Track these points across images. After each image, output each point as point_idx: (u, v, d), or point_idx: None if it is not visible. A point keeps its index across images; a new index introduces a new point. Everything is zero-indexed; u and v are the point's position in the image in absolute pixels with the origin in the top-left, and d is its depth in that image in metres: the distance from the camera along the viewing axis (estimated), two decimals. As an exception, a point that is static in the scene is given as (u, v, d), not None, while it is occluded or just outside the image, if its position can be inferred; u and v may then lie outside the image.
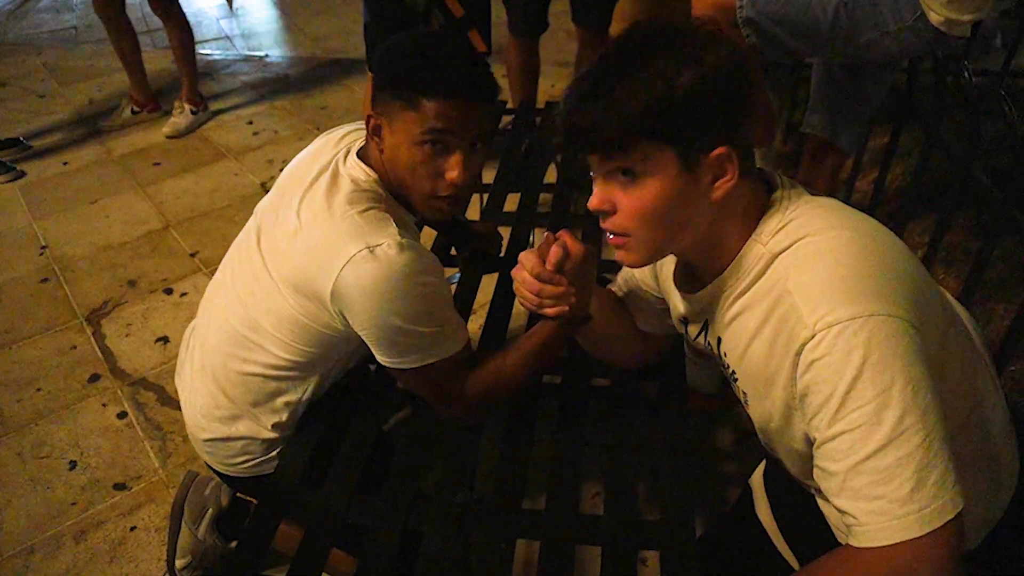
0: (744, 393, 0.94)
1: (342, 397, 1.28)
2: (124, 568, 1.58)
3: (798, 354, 0.76)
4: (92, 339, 2.22)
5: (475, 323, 1.55)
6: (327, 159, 1.12)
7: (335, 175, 1.08)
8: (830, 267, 0.77)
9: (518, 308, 1.51)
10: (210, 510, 1.42)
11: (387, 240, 0.99)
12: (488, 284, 1.55)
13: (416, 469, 1.16)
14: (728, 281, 0.89)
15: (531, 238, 1.80)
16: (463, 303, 1.48)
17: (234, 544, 1.42)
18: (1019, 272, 1.90)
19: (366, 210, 1.02)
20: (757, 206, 0.87)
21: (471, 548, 1.08)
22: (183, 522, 1.42)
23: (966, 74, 1.57)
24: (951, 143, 1.72)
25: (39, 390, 2.04)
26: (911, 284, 0.78)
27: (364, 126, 1.16)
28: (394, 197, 1.11)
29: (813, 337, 0.74)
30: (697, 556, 1.01)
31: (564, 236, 1.04)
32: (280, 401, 1.19)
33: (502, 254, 1.65)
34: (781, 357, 0.80)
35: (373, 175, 1.09)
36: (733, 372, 0.94)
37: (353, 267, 0.97)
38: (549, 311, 1.06)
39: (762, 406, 0.89)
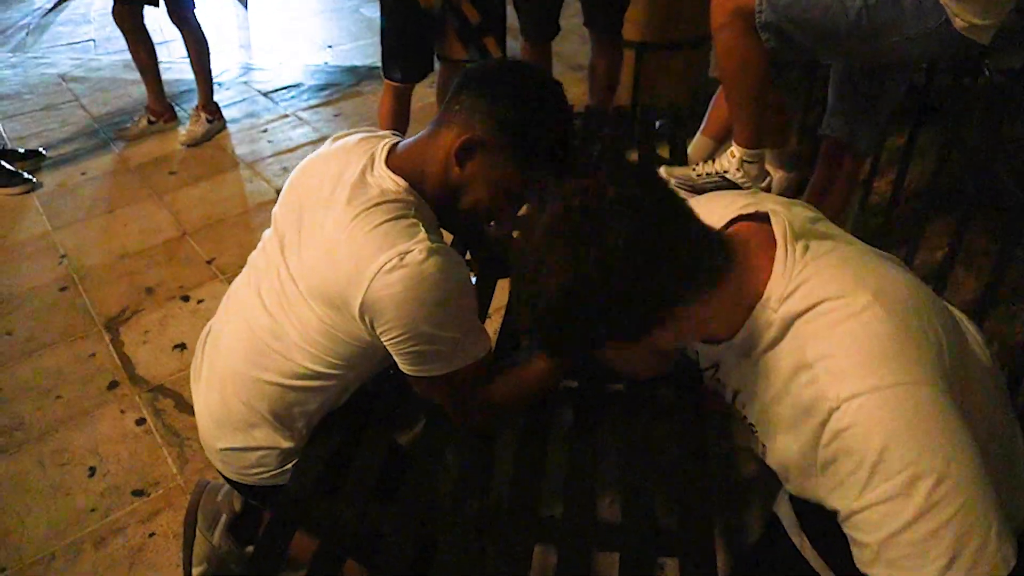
0: (763, 445, 0.92)
1: (356, 409, 1.27)
2: (144, 574, 1.59)
3: (823, 424, 0.75)
4: (111, 347, 2.24)
5: (490, 327, 1.54)
6: (353, 168, 1.08)
7: (362, 184, 1.05)
8: (851, 338, 0.75)
9: (533, 313, 1.52)
10: (224, 516, 1.42)
11: (417, 247, 0.97)
12: (502, 288, 1.55)
13: (430, 478, 1.16)
14: (741, 346, 0.87)
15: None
16: (478, 307, 1.47)
17: (250, 549, 1.42)
18: (1042, 273, 1.87)
19: (396, 218, 1.00)
20: (756, 275, 0.83)
21: (487, 555, 1.08)
22: (197, 529, 1.42)
23: (987, 72, 1.55)
24: (971, 143, 1.69)
25: (59, 398, 2.06)
26: (934, 341, 0.76)
27: (375, 131, 1.17)
28: (426, 200, 1.09)
29: (838, 408, 0.73)
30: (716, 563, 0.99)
31: None
32: (298, 411, 1.18)
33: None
34: (804, 424, 0.79)
35: (404, 184, 1.06)
36: (752, 425, 0.93)
37: (384, 276, 0.96)
38: None
39: (781, 461, 0.88)
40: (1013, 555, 0.68)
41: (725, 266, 0.82)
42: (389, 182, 1.06)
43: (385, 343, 1.04)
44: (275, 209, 1.23)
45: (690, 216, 0.82)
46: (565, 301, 0.76)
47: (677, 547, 1.03)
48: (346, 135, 1.21)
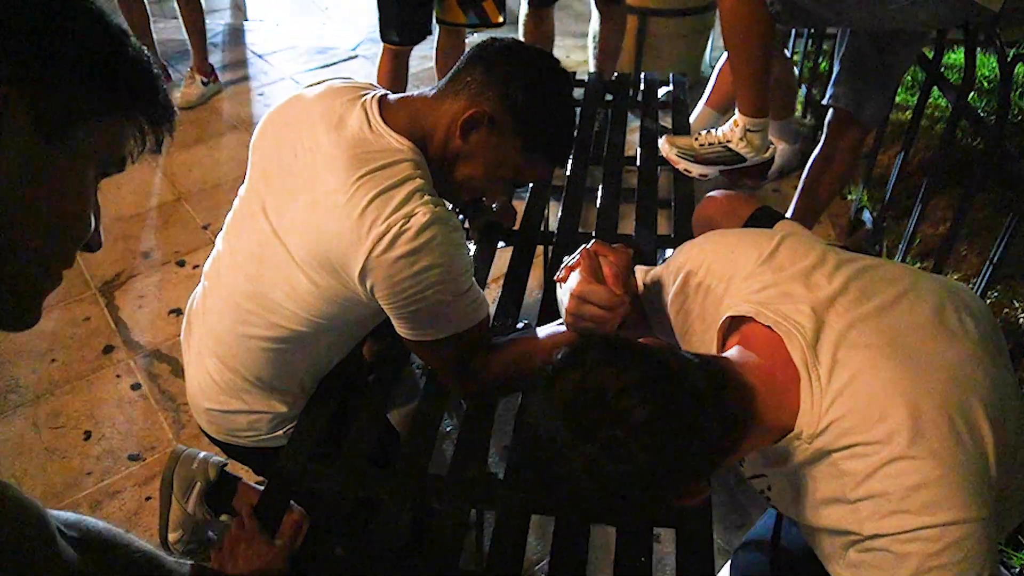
0: (776, 504, 0.92)
1: (352, 382, 1.26)
2: (140, 537, 1.59)
3: (851, 542, 0.77)
4: (106, 311, 2.22)
5: (489, 296, 1.53)
6: (348, 123, 1.04)
7: (363, 143, 1.02)
8: (887, 483, 0.74)
9: (532, 283, 1.50)
10: (198, 484, 1.41)
11: (421, 210, 0.96)
12: (501, 258, 1.53)
13: (426, 448, 1.15)
14: (773, 457, 0.86)
15: (545, 211, 1.77)
16: (477, 277, 1.46)
17: (224, 517, 1.43)
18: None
19: (401, 182, 0.98)
20: (783, 403, 0.80)
21: (484, 524, 1.08)
22: (172, 496, 1.42)
23: (998, 43, 1.52)
24: (980, 116, 1.67)
25: (54, 361, 2.05)
26: (974, 452, 0.74)
27: (352, 80, 1.14)
28: (427, 162, 1.06)
29: (866, 539, 0.75)
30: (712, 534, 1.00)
31: (603, 250, 1.04)
32: (287, 373, 1.17)
33: (516, 227, 1.63)
34: (834, 538, 0.80)
35: (408, 143, 1.03)
36: (763, 492, 0.93)
37: (387, 241, 0.95)
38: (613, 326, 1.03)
39: (794, 517, 0.88)
40: None
41: (748, 419, 0.80)
42: (393, 141, 1.03)
43: (384, 307, 1.03)
44: (249, 168, 1.18)
45: (709, 404, 0.77)
46: (588, 487, 0.75)
47: (674, 518, 1.03)
48: (319, 83, 1.15)
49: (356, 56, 3.86)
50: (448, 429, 1.68)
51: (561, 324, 1.11)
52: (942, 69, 1.90)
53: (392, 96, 1.11)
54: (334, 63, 3.78)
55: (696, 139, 1.79)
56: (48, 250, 0.57)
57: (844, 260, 0.92)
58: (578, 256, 1.07)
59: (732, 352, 0.87)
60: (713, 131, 1.79)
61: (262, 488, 1.32)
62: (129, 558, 0.74)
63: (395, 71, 2.49)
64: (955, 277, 1.93)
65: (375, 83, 1.22)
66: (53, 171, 0.54)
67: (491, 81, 1.04)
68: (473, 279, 1.08)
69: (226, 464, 1.45)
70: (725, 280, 0.95)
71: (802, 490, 0.83)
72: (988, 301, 1.73)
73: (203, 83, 3.39)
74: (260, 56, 3.90)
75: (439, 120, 1.06)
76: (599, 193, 1.70)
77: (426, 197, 0.98)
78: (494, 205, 1.61)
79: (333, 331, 1.14)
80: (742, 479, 0.97)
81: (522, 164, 1.10)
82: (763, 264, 0.93)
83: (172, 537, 1.44)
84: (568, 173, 1.76)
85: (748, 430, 0.80)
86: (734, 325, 0.91)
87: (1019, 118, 2.27)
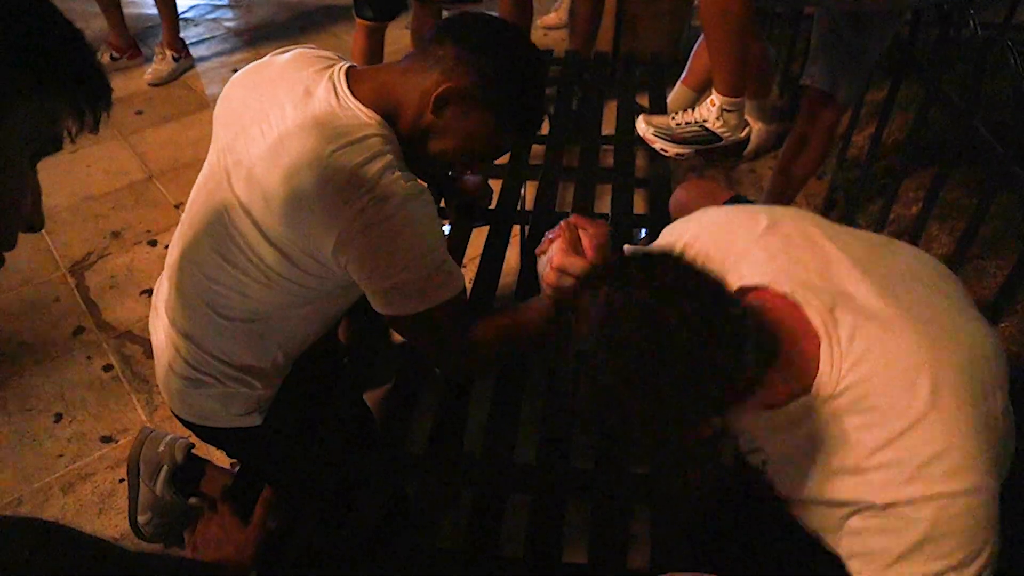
0: (772, 478, 0.91)
1: (327, 365, 1.25)
2: (114, 519, 1.58)
3: (855, 511, 0.77)
4: (75, 291, 2.19)
5: (465, 276, 1.52)
6: (316, 95, 1.02)
7: (332, 117, 0.99)
8: (904, 452, 0.74)
9: (509, 262, 1.50)
10: (165, 466, 1.40)
11: (393, 185, 0.96)
12: (478, 237, 1.52)
13: (403, 431, 1.15)
14: (783, 420, 0.85)
15: (522, 191, 1.77)
16: (454, 255, 1.45)
17: (192, 500, 1.42)
18: (1013, 230, 1.89)
19: (374, 156, 0.97)
20: (804, 361, 0.80)
21: (461, 502, 1.08)
22: (140, 479, 1.41)
23: (972, 24, 1.53)
24: (952, 97, 1.68)
25: (22, 343, 2.01)
26: (990, 419, 0.75)
27: (317, 51, 1.11)
28: (398, 138, 1.05)
29: (873, 506, 0.74)
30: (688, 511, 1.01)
31: (582, 222, 1.05)
32: (258, 353, 1.15)
33: (492, 206, 1.62)
34: (837, 508, 0.79)
35: (377, 118, 1.01)
36: (760, 454, 0.91)
37: (362, 217, 0.94)
38: None
39: (789, 492, 0.88)
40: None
41: (771, 365, 0.80)
42: (362, 115, 1.01)
43: (359, 282, 1.02)
44: (213, 140, 1.15)
45: (745, 340, 0.76)
46: (617, 410, 0.76)
47: (649, 494, 1.04)
48: (286, 50, 1.12)
49: (333, 34, 3.79)
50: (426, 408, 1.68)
51: (547, 297, 1.11)
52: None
53: (359, 68, 1.09)
54: (309, 40, 3.71)
55: (672, 118, 1.79)
56: None
57: (842, 231, 0.93)
58: (558, 229, 1.06)
59: (753, 302, 0.87)
60: (690, 111, 1.78)
61: (232, 470, 1.31)
62: (86, 546, 0.72)
63: (370, 48, 2.45)
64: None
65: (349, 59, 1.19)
66: None
67: (464, 56, 1.02)
68: (447, 253, 1.07)
69: (193, 446, 1.44)
70: (724, 249, 0.93)
71: (807, 461, 0.82)
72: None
73: (174, 59, 3.32)
74: (235, 32, 3.82)
75: (409, 94, 1.04)
76: (576, 172, 1.69)
77: (397, 173, 0.97)
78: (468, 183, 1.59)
79: (305, 305, 1.13)
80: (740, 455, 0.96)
81: (493, 139, 1.09)
82: (766, 234, 0.92)
83: (142, 519, 1.43)
84: (545, 152, 1.75)
85: (768, 372, 0.79)
86: (743, 295, 0.89)
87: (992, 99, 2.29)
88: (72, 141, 0.57)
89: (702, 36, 2.34)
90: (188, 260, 1.14)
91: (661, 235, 1.08)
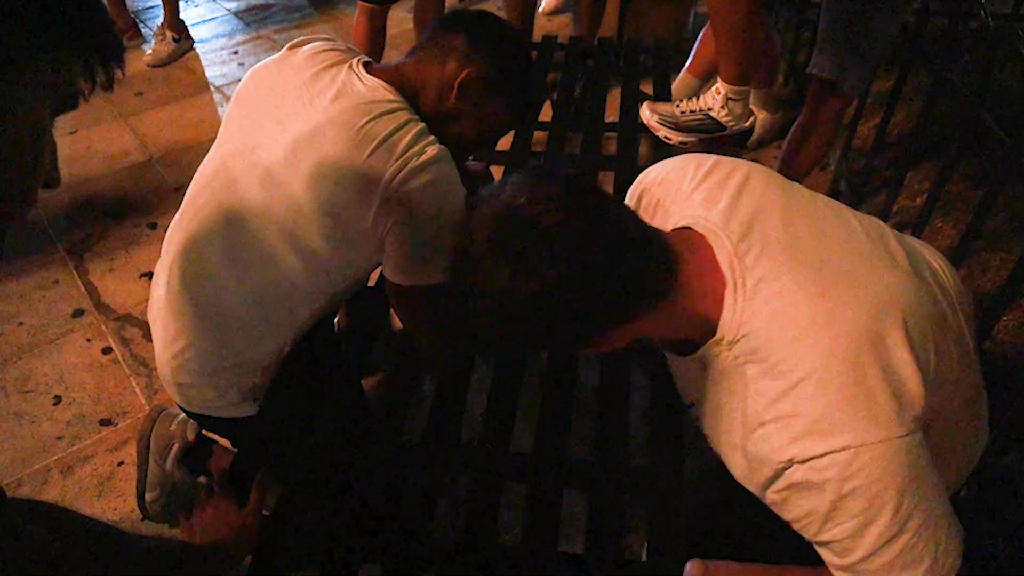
0: (702, 430, 0.91)
1: (323, 356, 1.25)
2: (113, 503, 1.59)
3: (774, 473, 0.75)
4: (75, 273, 2.18)
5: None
6: (343, 81, 1.08)
7: (358, 94, 1.06)
8: (798, 405, 0.73)
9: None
10: (176, 444, 1.40)
11: (429, 148, 1.03)
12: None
13: (401, 419, 1.15)
14: (698, 364, 0.85)
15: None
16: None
17: (202, 479, 1.42)
18: (1018, 222, 1.88)
19: (404, 123, 1.04)
20: (707, 302, 0.80)
21: (458, 490, 1.08)
22: (150, 455, 1.41)
23: (983, 13, 1.51)
24: (960, 88, 1.67)
25: (21, 324, 2.01)
26: (895, 376, 0.73)
27: (335, 42, 1.17)
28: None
29: (789, 467, 0.73)
30: (684, 503, 1.01)
31: None
32: (267, 345, 1.14)
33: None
34: (756, 468, 0.78)
35: (400, 98, 1.08)
36: (695, 409, 0.92)
37: (403, 175, 1.01)
38: None
39: (714, 444, 0.87)
40: (961, 538, 0.74)
41: (669, 288, 0.79)
42: (388, 94, 1.07)
43: (396, 244, 1.06)
44: (231, 126, 1.16)
45: (630, 241, 0.77)
46: (501, 317, 0.75)
47: (647, 486, 1.04)
48: (302, 43, 1.17)
49: (334, 17, 3.76)
50: (423, 396, 1.68)
51: None
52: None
53: (374, 63, 1.16)
54: (311, 22, 3.69)
55: (677, 106, 1.78)
56: (5, 189, 0.55)
57: (783, 182, 0.91)
58: None
59: (671, 233, 0.87)
60: (694, 98, 1.77)
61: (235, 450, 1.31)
62: (85, 527, 0.73)
63: (371, 32, 2.43)
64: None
65: (351, 43, 1.22)
66: (4, 109, 0.52)
67: (477, 45, 1.12)
68: None
69: None
70: (672, 193, 0.94)
71: (720, 411, 0.83)
72: (960, 274, 1.75)
73: (175, 40, 3.30)
74: (235, 14, 3.79)
75: (427, 81, 1.12)
76: (578, 159, 1.68)
77: (431, 136, 1.05)
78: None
79: (321, 298, 1.13)
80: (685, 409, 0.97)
81: (504, 121, 1.19)
82: (706, 178, 0.91)
83: (149, 496, 1.42)
84: (547, 139, 1.74)
85: (667, 296, 0.79)
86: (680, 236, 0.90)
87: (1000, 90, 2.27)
88: (86, 100, 0.58)
89: (708, 23, 2.32)
90: (192, 258, 1.13)
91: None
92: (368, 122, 1.02)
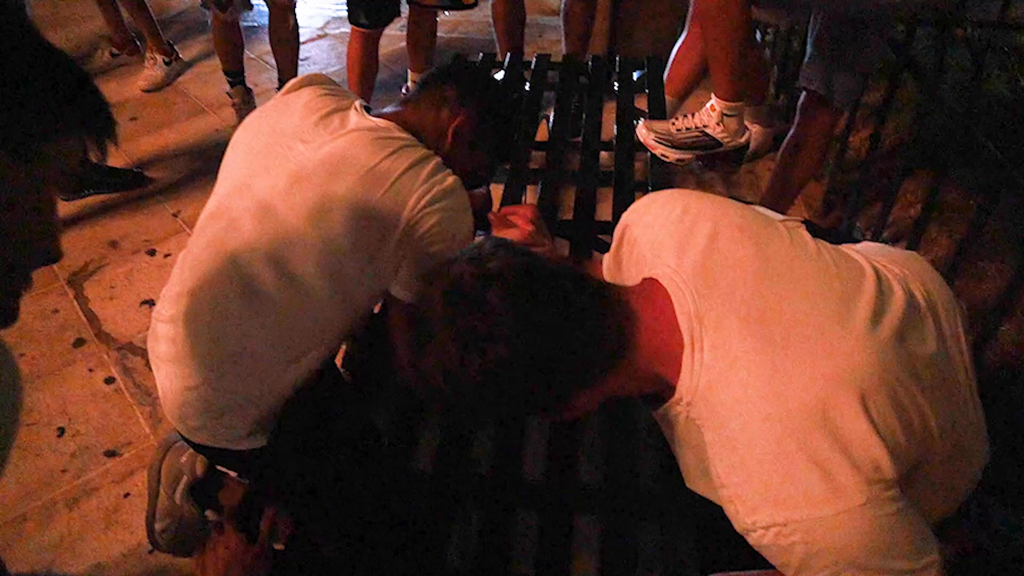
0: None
1: (330, 391, 1.26)
2: (120, 535, 1.58)
3: (743, 532, 0.76)
4: (75, 302, 2.18)
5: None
6: (353, 121, 1.14)
7: (372, 130, 1.13)
8: (755, 475, 0.74)
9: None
10: (184, 477, 1.40)
11: (448, 175, 1.12)
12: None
13: (407, 449, 1.15)
14: (662, 419, 0.87)
15: (523, 197, 1.77)
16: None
17: (209, 513, 1.42)
18: (1012, 232, 1.90)
19: (423, 157, 1.12)
20: (667, 360, 0.81)
21: (470, 520, 1.09)
22: (160, 486, 1.41)
23: (967, 27, 1.53)
24: (950, 103, 1.69)
25: (22, 355, 2.00)
26: (848, 438, 0.73)
27: (333, 88, 1.23)
28: None
29: (753, 531, 0.74)
30: (696, 526, 1.01)
31: (507, 210, 1.20)
32: (277, 388, 1.13)
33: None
34: (721, 503, 0.79)
35: (412, 137, 1.15)
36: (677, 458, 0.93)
37: (431, 196, 1.08)
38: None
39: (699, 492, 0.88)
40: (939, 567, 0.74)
41: (624, 348, 0.81)
42: (399, 133, 1.14)
43: (410, 261, 1.11)
44: (237, 166, 1.17)
45: (579, 311, 0.78)
46: (459, 391, 0.78)
47: (659, 511, 1.04)
48: (299, 87, 1.22)
49: (325, 35, 3.78)
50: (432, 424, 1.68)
51: None
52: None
53: (373, 109, 1.23)
54: (303, 43, 3.69)
55: (673, 124, 1.79)
56: (14, 266, 0.57)
57: (756, 232, 0.88)
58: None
59: (633, 288, 0.88)
60: (690, 116, 1.79)
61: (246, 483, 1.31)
62: None
63: (365, 54, 2.45)
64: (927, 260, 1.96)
65: (343, 63, 1.30)
66: (19, 190, 0.54)
67: (467, 96, 1.23)
68: None
69: None
70: (648, 236, 0.93)
71: (689, 464, 0.86)
72: (955, 284, 1.76)
73: (165, 63, 3.30)
74: (226, 35, 3.79)
75: (424, 124, 1.21)
76: (576, 177, 1.69)
77: (447, 168, 1.13)
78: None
79: (339, 327, 1.15)
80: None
81: (486, 162, 1.30)
82: (677, 223, 0.90)
83: (159, 526, 1.42)
84: (545, 158, 1.76)
85: (623, 357, 0.80)
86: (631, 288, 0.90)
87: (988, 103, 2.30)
88: (80, 177, 0.60)
89: (678, 43, 2.35)
90: (205, 297, 1.12)
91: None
92: (392, 154, 1.09)
